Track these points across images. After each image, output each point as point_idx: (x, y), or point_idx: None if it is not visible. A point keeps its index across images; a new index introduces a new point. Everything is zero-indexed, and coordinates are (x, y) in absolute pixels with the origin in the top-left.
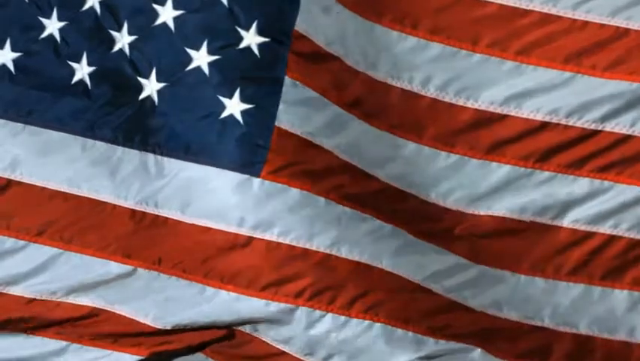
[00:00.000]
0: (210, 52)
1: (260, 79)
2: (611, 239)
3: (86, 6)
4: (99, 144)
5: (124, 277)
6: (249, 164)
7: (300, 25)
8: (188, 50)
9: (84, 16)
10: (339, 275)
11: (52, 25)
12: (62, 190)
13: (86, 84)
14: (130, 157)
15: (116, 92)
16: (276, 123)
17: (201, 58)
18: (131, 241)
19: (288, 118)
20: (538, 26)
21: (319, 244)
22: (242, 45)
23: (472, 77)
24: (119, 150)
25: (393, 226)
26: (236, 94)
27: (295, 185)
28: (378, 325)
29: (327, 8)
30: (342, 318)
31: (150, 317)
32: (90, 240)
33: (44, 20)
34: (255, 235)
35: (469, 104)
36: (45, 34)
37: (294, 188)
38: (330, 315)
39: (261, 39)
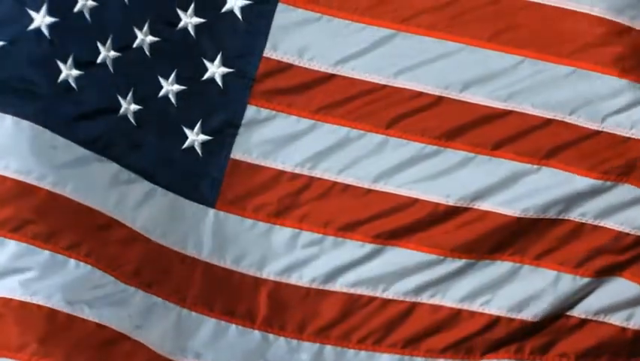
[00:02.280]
0: (178, 82)
1: (221, 110)
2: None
3: (76, 8)
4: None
5: None
6: (203, 195)
7: (269, 51)
8: (160, 78)
9: (75, 17)
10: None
11: (41, 19)
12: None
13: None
14: (105, 167)
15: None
16: (232, 155)
17: (170, 87)
18: None
19: (246, 149)
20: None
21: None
22: (206, 76)
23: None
24: (93, 158)
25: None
26: (198, 125)
27: (249, 216)
28: None
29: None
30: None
31: None
32: None
33: (32, 13)
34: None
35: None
36: (32, 26)
37: (247, 219)
38: None
39: (226, 70)
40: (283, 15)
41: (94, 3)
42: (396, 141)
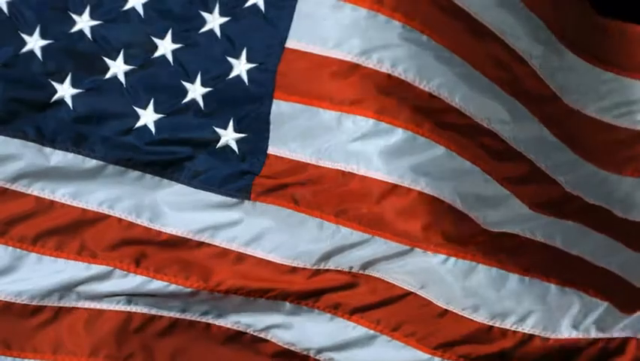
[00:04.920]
0: (204, 84)
1: (251, 106)
2: None
3: (75, 28)
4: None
5: None
6: (241, 190)
7: (292, 42)
8: (184, 84)
9: (73, 38)
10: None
11: (35, 43)
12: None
13: (67, 104)
14: (126, 179)
15: (104, 115)
16: (269, 150)
17: (196, 90)
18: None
19: (279, 141)
20: None
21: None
22: (232, 74)
23: None
24: (110, 168)
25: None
26: (231, 124)
27: (286, 206)
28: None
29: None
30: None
31: None
32: None
33: (25, 36)
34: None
35: None
36: (26, 49)
37: (285, 209)
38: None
39: (250, 65)
40: (306, 4)
41: (96, 22)
42: (424, 140)
